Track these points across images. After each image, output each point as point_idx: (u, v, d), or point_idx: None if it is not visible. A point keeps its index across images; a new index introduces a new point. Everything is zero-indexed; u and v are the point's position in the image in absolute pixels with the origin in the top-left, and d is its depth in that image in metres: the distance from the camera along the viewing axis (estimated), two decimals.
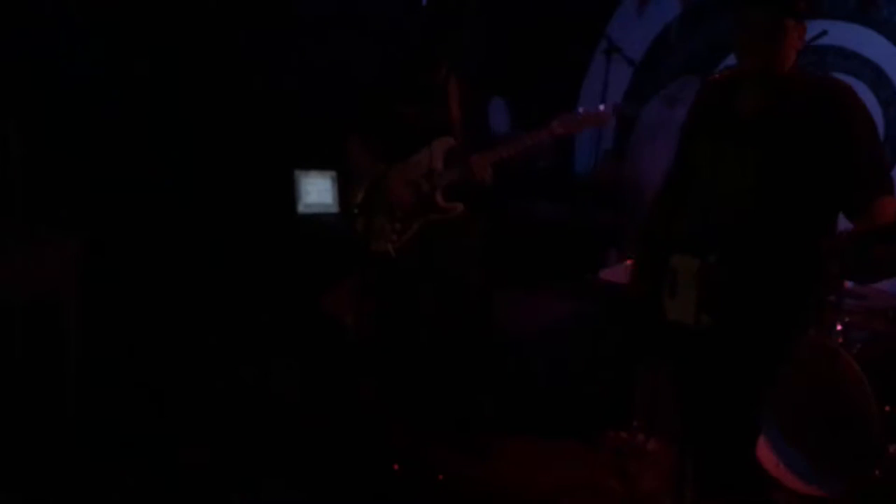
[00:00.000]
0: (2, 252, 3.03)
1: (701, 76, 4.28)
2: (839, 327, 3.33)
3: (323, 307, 4.32)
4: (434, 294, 3.73)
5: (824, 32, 2.88)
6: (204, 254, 4.52)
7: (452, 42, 3.59)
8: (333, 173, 4.80)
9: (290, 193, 4.69)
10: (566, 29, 5.39)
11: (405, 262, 3.64)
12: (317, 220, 4.72)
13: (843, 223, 2.58)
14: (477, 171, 3.55)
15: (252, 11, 4.62)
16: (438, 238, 3.66)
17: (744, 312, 2.60)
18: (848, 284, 3.41)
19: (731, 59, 3.00)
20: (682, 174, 2.81)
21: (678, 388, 2.93)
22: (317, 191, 4.78)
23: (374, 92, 3.73)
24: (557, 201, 5.05)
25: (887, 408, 3.11)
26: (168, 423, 3.62)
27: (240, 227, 4.61)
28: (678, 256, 2.68)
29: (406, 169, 3.63)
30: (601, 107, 3.74)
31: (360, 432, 3.63)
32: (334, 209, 4.80)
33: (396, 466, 3.42)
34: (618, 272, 4.02)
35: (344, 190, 4.18)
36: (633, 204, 4.72)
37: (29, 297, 3.26)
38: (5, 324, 3.40)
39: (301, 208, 4.72)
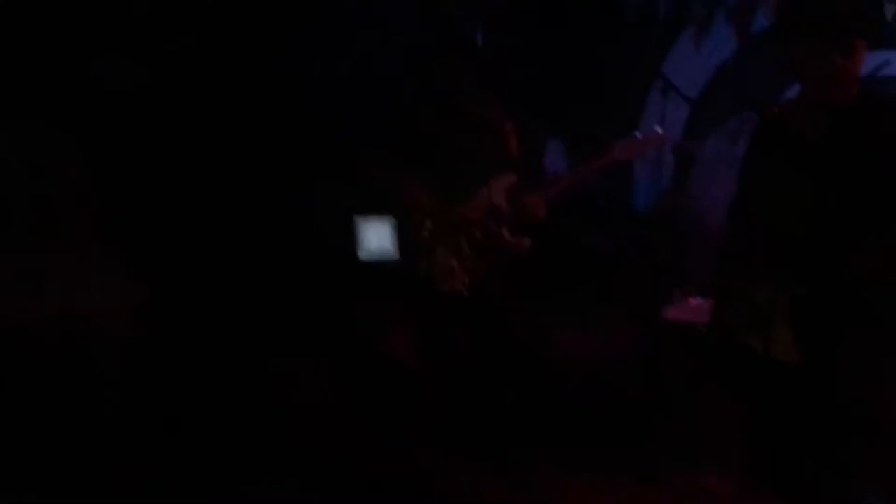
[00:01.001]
0: (49, 283, 3.08)
1: (761, 110, 4.23)
2: None
3: (384, 350, 4.33)
4: (498, 329, 3.70)
5: (886, 63, 2.84)
6: (264, 300, 4.56)
7: (507, 80, 3.61)
8: (392, 219, 4.82)
9: (350, 240, 4.72)
10: (621, 68, 5.38)
11: (473, 299, 3.62)
12: (376, 265, 4.73)
13: None
14: (530, 209, 3.54)
15: (308, 60, 4.69)
16: (505, 274, 3.64)
17: (838, 345, 2.53)
18: None
19: (791, 92, 2.96)
20: (752, 208, 2.76)
21: (761, 428, 2.84)
22: (376, 236, 4.80)
23: (433, 128, 3.74)
24: (618, 239, 5.00)
25: None
26: (215, 459, 3.62)
27: (300, 272, 4.65)
28: (762, 293, 2.62)
29: (469, 207, 3.62)
30: (658, 129, 3.71)
31: (414, 468, 3.61)
32: (394, 255, 4.81)
33: None
34: (682, 310, 3.96)
35: (403, 231, 4.20)
36: (697, 241, 4.65)
37: (75, 329, 3.31)
38: (49, 354, 3.47)
39: (361, 254, 4.74)
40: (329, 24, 4.78)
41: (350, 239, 4.70)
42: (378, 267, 4.70)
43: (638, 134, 3.72)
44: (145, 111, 4.22)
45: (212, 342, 4.27)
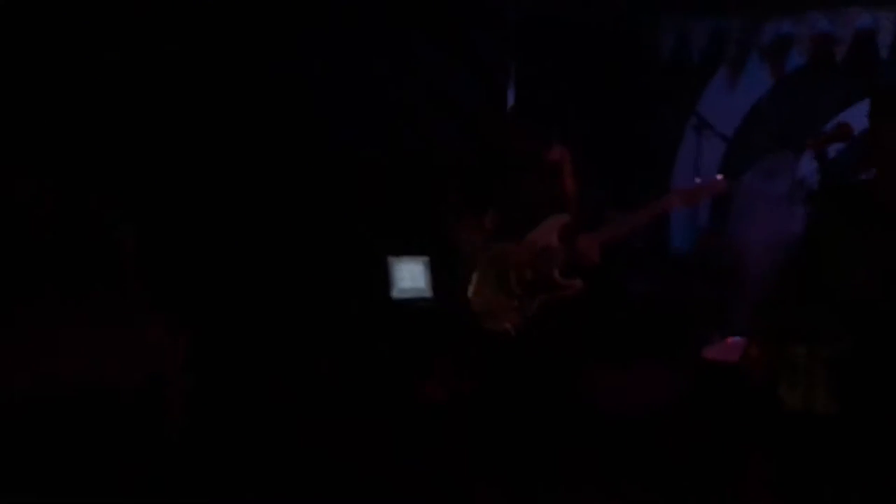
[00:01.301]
0: (110, 331, 3.12)
1: (796, 148, 4.21)
2: None
3: (422, 392, 4.31)
4: (544, 370, 3.66)
5: None
6: (302, 339, 4.57)
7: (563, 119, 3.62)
8: (426, 258, 4.84)
9: (384, 279, 4.74)
10: (657, 106, 5.39)
11: (522, 339, 3.58)
12: (411, 305, 4.74)
13: None
14: (585, 251, 3.50)
15: (341, 98, 4.74)
16: (555, 315, 3.61)
17: (875, 400, 2.50)
18: None
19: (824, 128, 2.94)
20: (807, 263, 2.74)
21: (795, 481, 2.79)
22: (410, 276, 4.81)
23: (489, 165, 3.73)
24: (655, 279, 4.96)
25: None
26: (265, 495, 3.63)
27: (336, 313, 4.66)
28: (802, 347, 2.60)
29: (522, 246, 3.60)
30: (718, 176, 3.65)
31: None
32: (428, 294, 4.82)
33: None
34: (721, 350, 3.91)
35: (449, 269, 4.16)
36: (735, 280, 4.61)
37: (136, 381, 3.34)
38: (112, 406, 3.49)
39: (395, 294, 4.75)
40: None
41: (387, 278, 4.74)
42: (425, 305, 4.71)
43: (697, 179, 3.67)
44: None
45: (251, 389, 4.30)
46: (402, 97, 4.90)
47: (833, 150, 2.88)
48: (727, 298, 4.57)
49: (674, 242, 5.46)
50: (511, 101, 3.86)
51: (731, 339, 3.99)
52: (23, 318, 3.10)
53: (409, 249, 4.81)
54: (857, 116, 4.71)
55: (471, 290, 3.68)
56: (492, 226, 3.64)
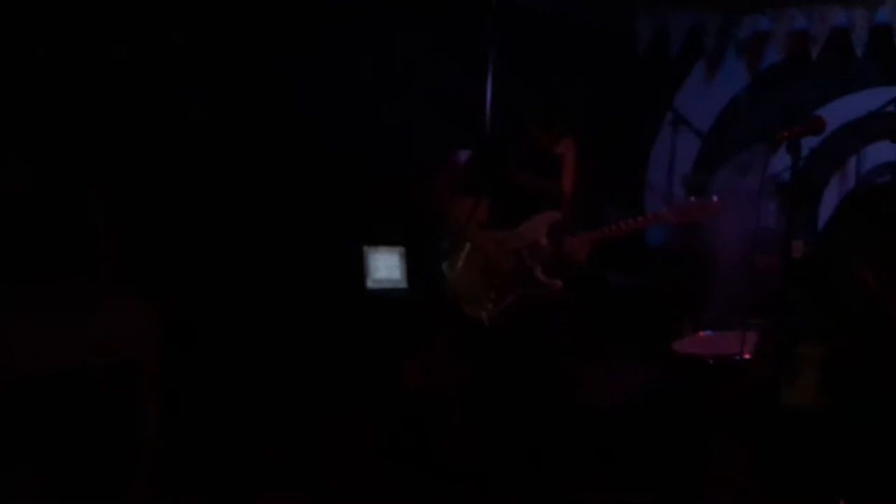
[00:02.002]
0: (81, 315, 3.09)
1: (770, 144, 4.23)
2: None
3: (399, 378, 4.31)
4: (516, 364, 3.66)
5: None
6: (276, 327, 4.56)
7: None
8: (402, 249, 4.84)
9: (359, 269, 4.73)
10: (632, 102, 5.39)
11: (495, 330, 3.58)
12: (385, 295, 4.73)
13: None
14: (572, 253, 3.49)
15: (318, 86, 4.72)
16: (530, 311, 3.61)
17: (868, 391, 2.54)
18: None
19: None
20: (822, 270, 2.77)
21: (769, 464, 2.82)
22: (385, 266, 4.81)
23: (492, 154, 3.69)
24: (629, 271, 4.98)
25: None
26: (243, 484, 3.63)
27: (310, 302, 4.64)
28: (806, 345, 2.64)
29: (510, 238, 3.59)
30: (714, 198, 3.64)
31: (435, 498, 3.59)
32: (403, 284, 4.82)
33: None
34: (692, 343, 3.93)
35: (430, 254, 4.08)
36: (708, 275, 4.63)
37: (107, 361, 3.32)
38: (84, 387, 3.47)
39: (370, 284, 4.75)
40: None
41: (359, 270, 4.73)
42: (401, 296, 4.70)
43: (693, 199, 3.67)
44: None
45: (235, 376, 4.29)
46: (383, 84, 4.88)
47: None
48: (700, 293, 4.59)
49: (648, 237, 5.48)
50: (488, 92, 3.83)
51: (702, 333, 4.01)
52: None
53: (384, 240, 4.81)
54: (833, 113, 4.79)
55: (456, 268, 3.67)
56: (483, 212, 3.61)
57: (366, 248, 4.77)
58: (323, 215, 4.75)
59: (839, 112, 4.87)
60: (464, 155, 3.77)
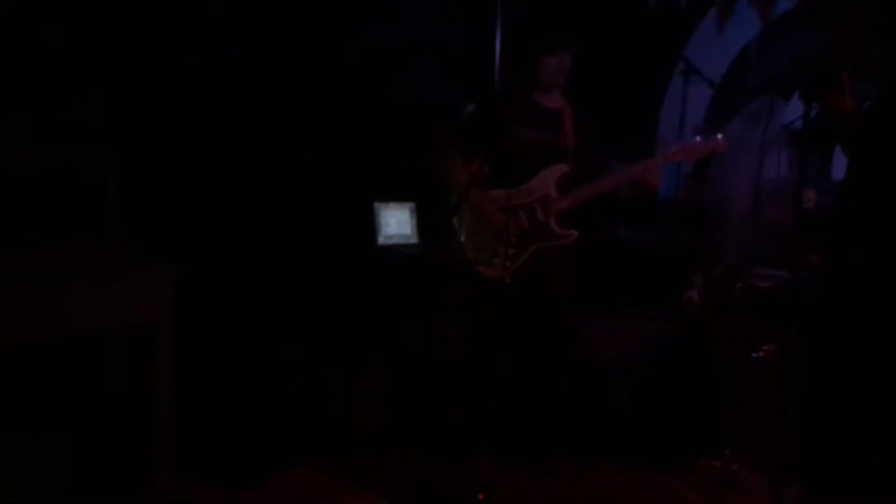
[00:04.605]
0: (97, 280, 3.11)
1: (783, 94, 4.20)
2: None
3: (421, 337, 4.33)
4: (530, 317, 3.68)
5: None
6: (290, 285, 4.58)
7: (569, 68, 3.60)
8: (413, 205, 4.84)
9: (370, 225, 4.73)
10: (643, 53, 5.34)
11: (513, 286, 3.61)
12: (397, 250, 4.74)
13: None
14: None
15: (327, 45, 4.69)
16: (546, 264, 3.63)
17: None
18: None
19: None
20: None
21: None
22: (396, 222, 4.81)
23: (489, 114, 3.68)
24: (639, 226, 4.97)
25: None
26: (258, 443, 3.68)
27: (322, 258, 4.66)
28: None
29: (520, 194, 3.61)
30: (719, 136, 3.67)
31: (445, 455, 3.62)
32: (414, 240, 4.83)
33: (482, 496, 3.37)
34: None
35: (440, 211, 4.10)
36: (720, 226, 4.61)
37: (123, 325, 3.35)
38: (100, 350, 3.51)
39: (381, 240, 4.75)
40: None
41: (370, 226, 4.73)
42: (412, 251, 4.71)
43: (698, 138, 3.68)
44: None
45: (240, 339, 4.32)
46: (389, 42, 4.85)
47: None
48: (712, 244, 4.58)
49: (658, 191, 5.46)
50: (498, 47, 3.80)
51: None
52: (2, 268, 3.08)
53: (395, 195, 4.80)
54: None
55: (463, 235, 3.68)
56: (484, 173, 3.62)
57: (376, 204, 4.76)
58: (333, 172, 4.74)
59: None
60: (465, 112, 3.77)
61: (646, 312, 4.34)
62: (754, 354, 3.66)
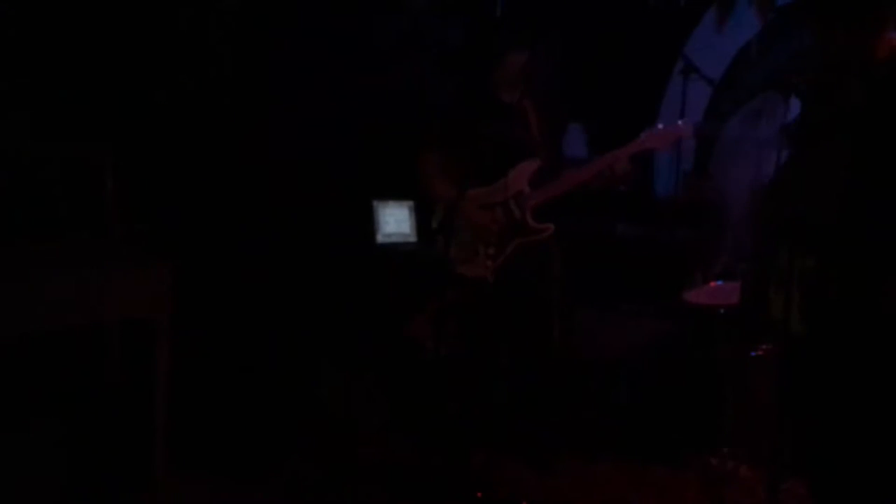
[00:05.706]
0: (96, 274, 3.12)
1: (783, 91, 4.18)
2: None
3: (406, 333, 4.33)
4: (518, 314, 3.69)
5: None
6: (288, 282, 4.58)
7: (529, 65, 3.61)
8: (411, 203, 4.83)
9: (369, 224, 4.73)
10: (642, 51, 5.34)
11: (496, 284, 3.62)
12: (395, 249, 4.74)
13: None
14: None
15: (325, 42, 4.69)
16: (525, 259, 3.64)
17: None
18: None
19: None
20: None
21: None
22: (395, 220, 4.81)
23: (454, 115, 3.73)
24: (639, 223, 4.97)
25: None
26: (255, 439, 3.70)
27: (321, 256, 4.66)
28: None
29: (493, 192, 3.63)
30: (679, 122, 3.71)
31: (442, 453, 3.62)
32: (413, 238, 4.83)
33: (480, 494, 3.38)
34: (703, 294, 3.93)
35: (428, 215, 4.16)
36: (719, 224, 4.61)
37: (122, 319, 3.36)
38: (99, 344, 3.52)
39: (380, 238, 4.75)
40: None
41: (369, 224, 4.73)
42: (396, 251, 4.71)
43: (660, 125, 3.69)
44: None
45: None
46: (391, 36, 4.85)
47: None
48: (711, 242, 4.58)
49: (657, 188, 5.45)
50: (498, 45, 3.82)
51: (713, 283, 4.01)
52: (2, 261, 3.09)
53: (394, 194, 4.80)
54: None
55: (447, 234, 3.70)
56: (460, 171, 3.64)
57: (375, 203, 4.76)
58: (332, 170, 4.74)
59: None
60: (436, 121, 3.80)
61: (645, 309, 4.34)
62: (754, 353, 3.67)
